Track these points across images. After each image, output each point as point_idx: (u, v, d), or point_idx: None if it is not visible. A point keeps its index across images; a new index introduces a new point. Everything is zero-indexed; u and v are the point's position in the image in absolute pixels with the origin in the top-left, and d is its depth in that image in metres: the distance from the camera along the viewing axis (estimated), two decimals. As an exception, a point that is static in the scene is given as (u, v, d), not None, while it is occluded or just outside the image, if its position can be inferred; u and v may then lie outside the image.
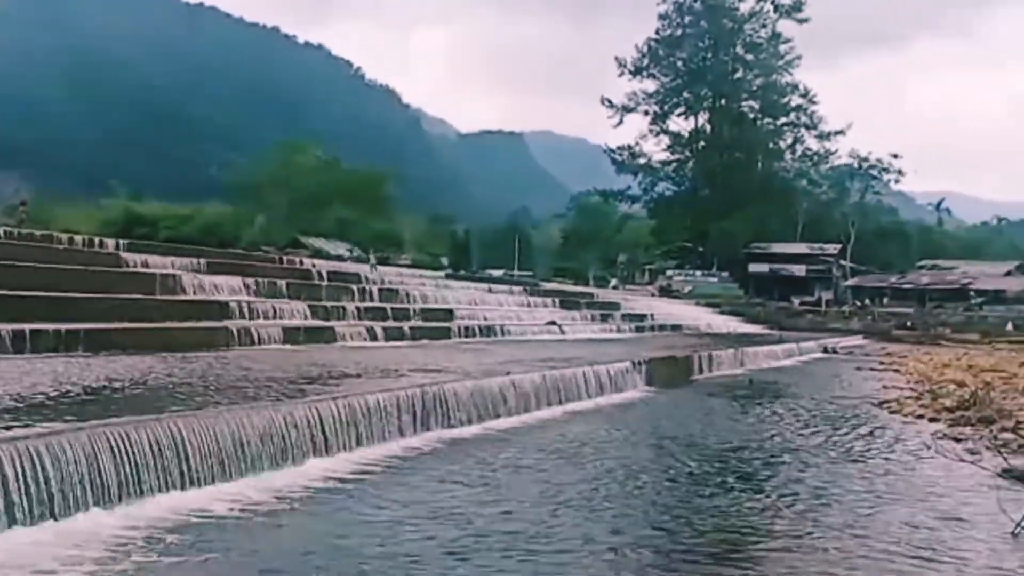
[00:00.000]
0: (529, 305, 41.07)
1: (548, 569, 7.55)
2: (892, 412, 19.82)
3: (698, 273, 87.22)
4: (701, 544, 8.49)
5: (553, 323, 36.06)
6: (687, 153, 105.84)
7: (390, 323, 27.55)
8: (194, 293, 24.98)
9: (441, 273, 51.14)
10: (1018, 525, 9.19)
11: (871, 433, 16.75)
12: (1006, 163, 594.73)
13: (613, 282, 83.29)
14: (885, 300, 74.83)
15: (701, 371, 26.89)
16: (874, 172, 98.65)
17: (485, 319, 33.04)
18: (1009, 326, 59.73)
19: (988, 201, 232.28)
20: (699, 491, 10.92)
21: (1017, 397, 21.82)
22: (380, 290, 31.71)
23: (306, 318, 25.82)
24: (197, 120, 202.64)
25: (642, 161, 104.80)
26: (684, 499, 10.46)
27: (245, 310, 24.37)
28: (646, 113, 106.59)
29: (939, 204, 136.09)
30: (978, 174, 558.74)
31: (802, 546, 8.62)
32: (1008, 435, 15.73)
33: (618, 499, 10.30)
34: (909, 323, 63.47)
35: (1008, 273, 77.77)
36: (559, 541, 8.37)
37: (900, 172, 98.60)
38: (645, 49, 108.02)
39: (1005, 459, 12.22)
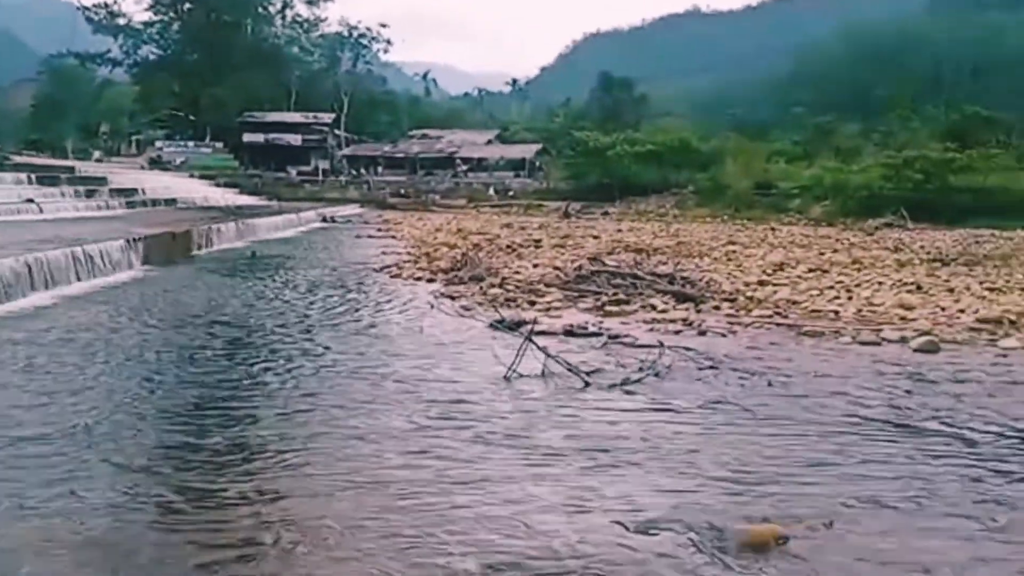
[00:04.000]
0: (-4, 182, 36.59)
1: (31, 474, 6.84)
2: (393, 276, 20.69)
3: (191, 144, 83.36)
4: (209, 429, 8.20)
5: (30, 201, 32.75)
6: (172, 14, 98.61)
7: None
8: None
9: None
10: (509, 369, 10.01)
11: (375, 297, 17.37)
12: (486, 36, 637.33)
13: (96, 154, 77.39)
14: (380, 169, 77.46)
15: (201, 246, 26.06)
16: (364, 41, 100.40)
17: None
18: (491, 191, 64.72)
19: (470, 73, 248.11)
20: (208, 370, 10.55)
21: (501, 256, 23.86)
22: None
23: None
24: None
25: (122, 21, 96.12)
26: (192, 379, 10.05)
27: None
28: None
29: (426, 75, 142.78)
30: (461, 46, 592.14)
31: (315, 409, 8.69)
32: (496, 291, 17.18)
33: (118, 387, 9.61)
34: (403, 191, 66.40)
35: (488, 142, 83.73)
36: (54, 440, 7.65)
37: (389, 42, 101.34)
38: None
39: (497, 311, 13.23)
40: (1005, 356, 11.80)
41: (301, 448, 7.45)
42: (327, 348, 11.83)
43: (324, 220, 43.96)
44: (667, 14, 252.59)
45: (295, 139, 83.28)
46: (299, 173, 76.39)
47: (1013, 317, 14.09)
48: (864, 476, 6.97)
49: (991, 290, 17.65)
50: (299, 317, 14.60)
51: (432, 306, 15.78)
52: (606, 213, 51.17)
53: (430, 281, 19.50)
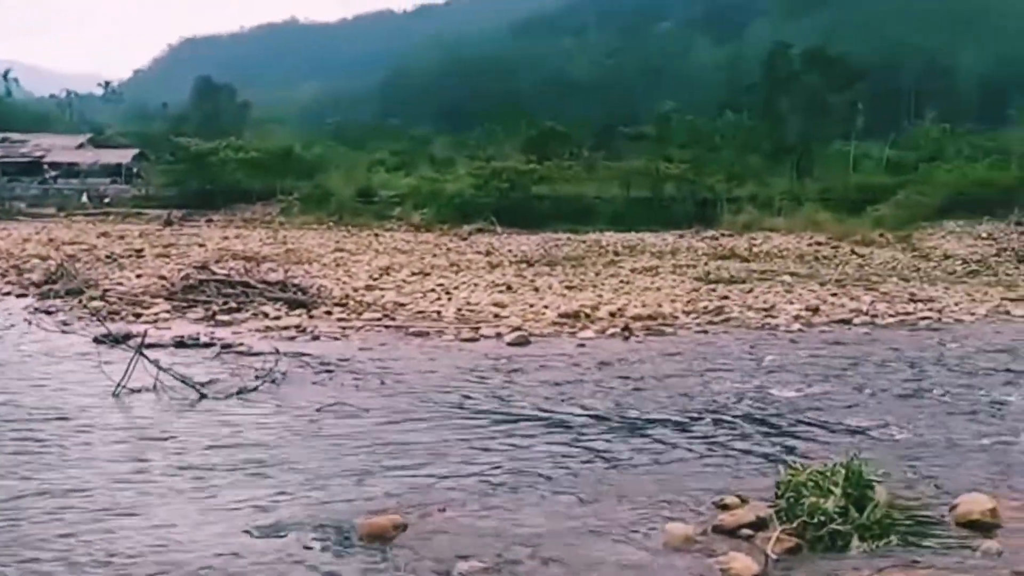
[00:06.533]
0: None
1: None
2: (-24, 292, 19.14)
3: None
4: None
5: None
6: None
7: None
8: None
9: None
10: (119, 385, 9.78)
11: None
12: (73, 34, 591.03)
13: None
14: (-49, 176, 70.23)
15: None
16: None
17: None
18: (84, 198, 60.75)
19: (57, 73, 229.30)
20: None
21: (100, 267, 22.77)
22: None
23: None
24: None
25: None
26: None
27: None
28: None
29: (7, 74, 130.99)
30: (47, 44, 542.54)
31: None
32: (98, 304, 16.46)
33: None
34: (-20, 199, 60.57)
35: (80, 146, 78.36)
36: None
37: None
38: None
39: (103, 324, 12.74)
40: (583, 345, 13.31)
41: None
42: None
43: None
44: (265, 23, 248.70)
45: None
46: None
47: (588, 311, 15.94)
48: (472, 462, 7.68)
49: (569, 288, 19.74)
50: None
51: (29, 322, 14.84)
52: (210, 221, 49.97)
53: (20, 296, 18.28)
